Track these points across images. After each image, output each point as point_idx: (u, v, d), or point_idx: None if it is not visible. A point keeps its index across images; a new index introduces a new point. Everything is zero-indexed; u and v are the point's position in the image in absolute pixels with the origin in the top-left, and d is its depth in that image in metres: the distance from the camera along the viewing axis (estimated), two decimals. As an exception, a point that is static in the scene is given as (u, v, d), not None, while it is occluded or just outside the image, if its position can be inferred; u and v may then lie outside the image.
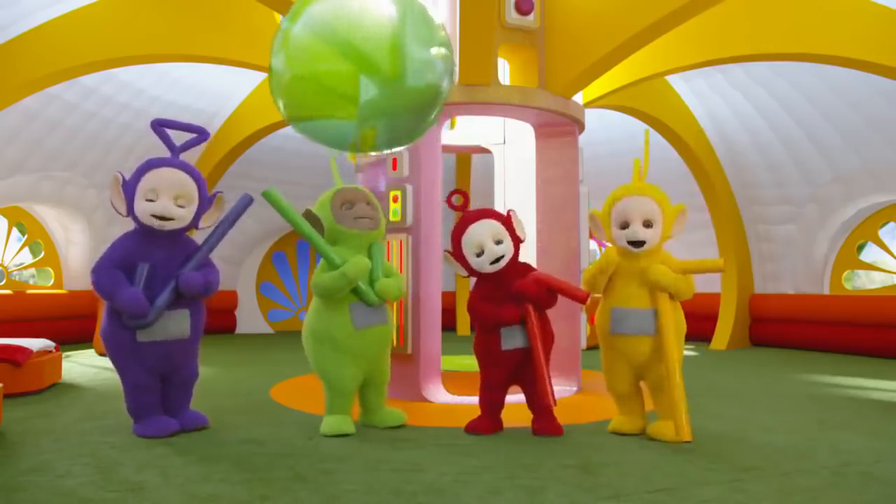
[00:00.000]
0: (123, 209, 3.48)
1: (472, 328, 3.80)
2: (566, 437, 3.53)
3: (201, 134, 3.70)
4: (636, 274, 3.51)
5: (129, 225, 3.59)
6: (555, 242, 5.18)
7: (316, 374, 3.70)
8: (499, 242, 3.60)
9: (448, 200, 3.86)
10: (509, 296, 3.56)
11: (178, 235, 3.56)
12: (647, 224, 3.52)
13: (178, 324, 3.51)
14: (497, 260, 3.59)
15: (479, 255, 3.59)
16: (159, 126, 3.58)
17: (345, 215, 3.64)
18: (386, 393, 3.84)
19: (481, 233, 3.60)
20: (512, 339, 3.55)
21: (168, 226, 3.45)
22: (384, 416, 3.75)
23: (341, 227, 3.63)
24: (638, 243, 3.51)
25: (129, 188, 3.46)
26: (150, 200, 3.42)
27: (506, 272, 3.62)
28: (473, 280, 3.79)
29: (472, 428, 3.63)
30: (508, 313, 3.52)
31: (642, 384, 3.65)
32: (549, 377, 3.51)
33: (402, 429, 3.72)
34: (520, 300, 3.52)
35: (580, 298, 3.51)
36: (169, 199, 3.45)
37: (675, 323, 3.47)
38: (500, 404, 3.70)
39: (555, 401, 3.48)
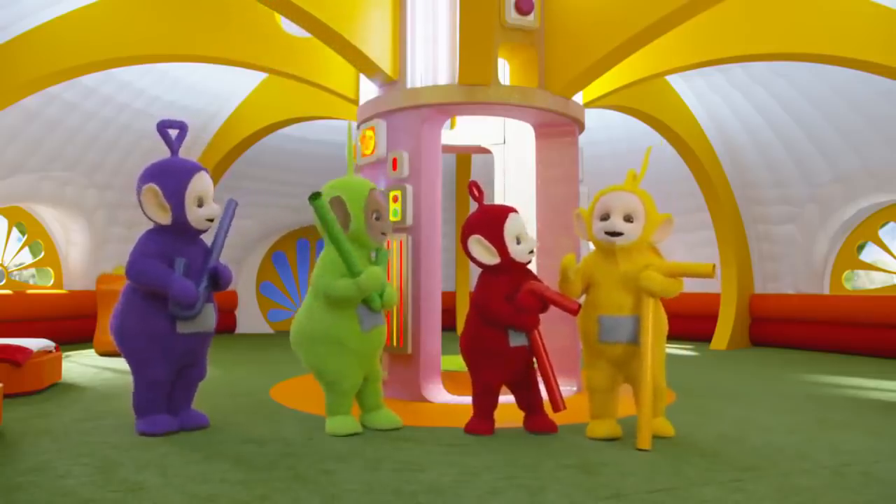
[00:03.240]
0: (168, 218, 3.54)
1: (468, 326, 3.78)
2: (566, 438, 3.53)
3: (182, 128, 3.77)
4: (620, 279, 3.49)
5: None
6: (555, 242, 5.17)
7: (315, 376, 3.69)
8: (528, 234, 3.73)
9: (470, 190, 3.88)
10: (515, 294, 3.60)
11: (200, 234, 3.71)
12: (628, 218, 3.52)
13: (211, 316, 3.65)
14: (531, 252, 3.68)
15: (519, 242, 3.64)
16: (164, 128, 3.67)
17: (374, 226, 3.65)
18: (382, 392, 3.85)
19: (519, 224, 3.70)
20: (518, 337, 3.60)
21: (212, 225, 3.65)
22: (381, 417, 3.75)
23: (367, 236, 3.64)
24: (615, 234, 3.49)
25: (173, 196, 3.51)
26: (200, 206, 3.58)
27: (518, 271, 3.68)
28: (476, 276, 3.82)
29: (473, 429, 3.63)
30: (527, 321, 3.55)
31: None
32: (558, 384, 3.57)
33: (402, 429, 3.72)
34: (520, 310, 3.56)
35: (572, 310, 3.52)
36: (211, 200, 3.64)
37: (657, 324, 3.46)
38: (496, 405, 3.71)
39: (564, 405, 3.55)
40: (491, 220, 3.67)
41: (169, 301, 3.46)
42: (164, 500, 2.43)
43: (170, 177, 3.55)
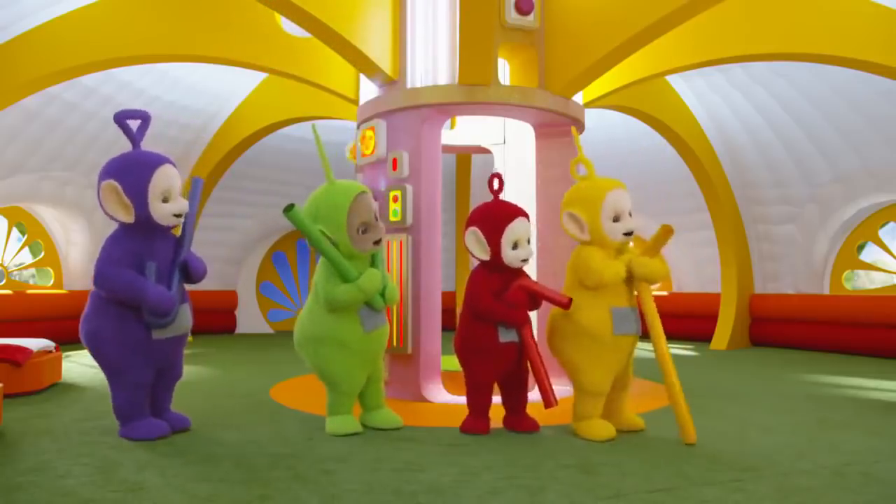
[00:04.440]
0: (131, 216, 3.33)
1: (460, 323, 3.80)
2: (566, 438, 3.53)
3: (145, 119, 3.55)
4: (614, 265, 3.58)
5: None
6: (555, 242, 5.18)
7: (318, 376, 3.69)
8: (528, 242, 3.71)
9: (490, 182, 3.85)
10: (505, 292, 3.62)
11: (170, 230, 3.54)
12: (630, 215, 3.65)
13: (186, 317, 3.53)
14: (524, 260, 3.66)
15: (514, 248, 3.63)
16: (123, 119, 3.43)
17: (362, 240, 3.56)
18: (384, 392, 3.85)
19: (523, 230, 3.67)
20: (508, 333, 3.60)
21: (181, 220, 3.48)
22: (382, 417, 3.75)
23: (356, 251, 3.56)
24: (630, 233, 3.60)
25: (135, 192, 3.30)
26: (166, 202, 3.38)
27: (509, 270, 3.68)
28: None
29: (469, 428, 3.63)
30: (515, 316, 3.56)
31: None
32: (550, 380, 3.58)
33: (402, 428, 3.72)
34: (509, 306, 3.58)
35: (563, 304, 3.53)
36: (178, 194, 3.45)
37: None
38: (490, 403, 3.71)
39: (556, 401, 3.54)
40: (496, 218, 3.66)
41: (144, 310, 3.31)
42: (164, 500, 2.43)
43: (131, 172, 3.31)
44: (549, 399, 3.53)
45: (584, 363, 3.55)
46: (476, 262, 3.80)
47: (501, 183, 3.83)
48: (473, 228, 3.67)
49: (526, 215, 3.73)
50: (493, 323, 3.58)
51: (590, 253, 3.55)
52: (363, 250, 3.58)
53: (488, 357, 3.62)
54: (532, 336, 3.64)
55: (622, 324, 3.51)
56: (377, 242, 3.62)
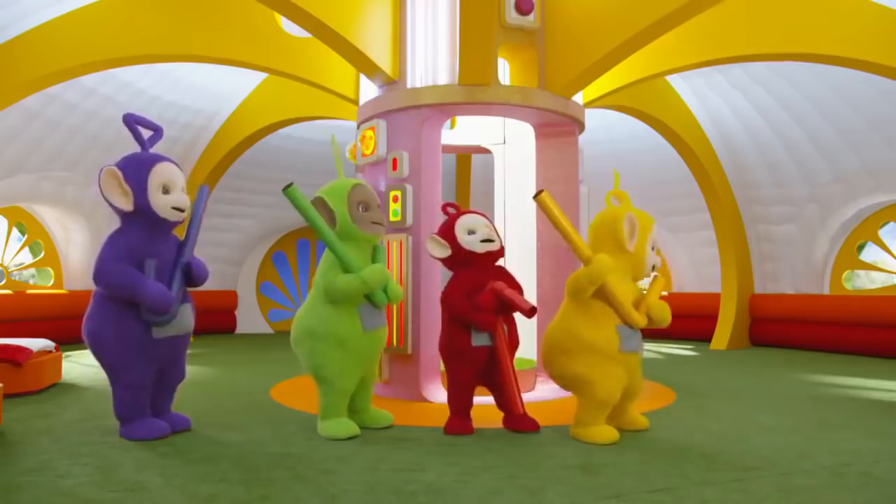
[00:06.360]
0: (130, 203, 3.37)
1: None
2: (566, 437, 3.52)
3: (158, 132, 3.65)
4: (631, 292, 3.60)
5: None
6: (555, 242, 5.18)
7: (311, 374, 3.63)
8: (490, 231, 3.80)
9: (444, 210, 4.04)
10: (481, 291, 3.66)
11: (171, 229, 3.56)
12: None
13: (188, 317, 3.54)
14: (488, 241, 3.72)
15: (470, 233, 3.73)
16: (132, 122, 3.51)
17: (361, 217, 3.58)
18: (372, 393, 3.85)
19: (475, 220, 3.81)
20: (480, 337, 3.63)
21: (182, 216, 3.50)
22: (373, 417, 3.76)
23: (355, 228, 3.57)
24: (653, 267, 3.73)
25: (135, 180, 3.36)
26: (167, 193, 3.42)
27: (484, 269, 3.73)
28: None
29: (453, 429, 3.62)
30: (483, 319, 3.57)
31: None
32: (519, 387, 3.65)
33: (402, 429, 3.72)
34: (477, 309, 3.61)
35: (525, 312, 3.51)
36: (180, 191, 3.49)
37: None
38: (471, 404, 3.73)
39: (523, 409, 3.65)
40: (448, 220, 3.86)
41: (141, 307, 3.32)
42: (164, 500, 2.43)
43: (132, 162, 3.41)
44: (516, 406, 3.61)
45: (597, 376, 3.47)
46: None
47: (457, 208, 4.00)
48: (430, 235, 3.84)
49: (482, 215, 3.88)
50: (466, 326, 3.62)
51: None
52: (362, 229, 3.58)
53: (464, 359, 3.66)
54: (504, 341, 3.64)
55: (627, 342, 3.51)
56: (377, 223, 3.63)
